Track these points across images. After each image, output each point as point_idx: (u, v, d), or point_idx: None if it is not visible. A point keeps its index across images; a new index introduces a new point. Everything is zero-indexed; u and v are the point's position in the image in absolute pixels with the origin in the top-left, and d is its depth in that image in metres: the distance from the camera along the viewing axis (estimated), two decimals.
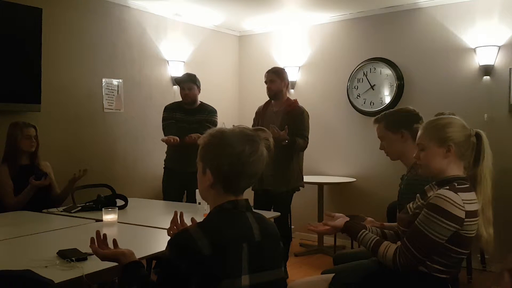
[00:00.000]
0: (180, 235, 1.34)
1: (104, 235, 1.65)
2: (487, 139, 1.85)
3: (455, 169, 1.83)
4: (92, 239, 1.62)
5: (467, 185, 1.79)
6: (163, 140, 3.86)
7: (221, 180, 1.41)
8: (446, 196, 1.71)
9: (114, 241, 1.63)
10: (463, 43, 4.37)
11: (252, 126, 4.03)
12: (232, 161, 1.39)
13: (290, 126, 3.72)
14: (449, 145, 1.81)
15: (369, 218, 2.40)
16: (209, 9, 4.88)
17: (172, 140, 3.78)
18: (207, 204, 1.53)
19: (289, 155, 3.73)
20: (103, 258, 1.58)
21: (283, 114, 3.81)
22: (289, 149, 3.68)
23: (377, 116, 2.44)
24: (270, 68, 3.94)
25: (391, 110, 2.49)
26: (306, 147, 3.83)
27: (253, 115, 4.11)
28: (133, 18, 4.63)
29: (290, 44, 5.47)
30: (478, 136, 1.84)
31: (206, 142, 1.44)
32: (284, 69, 4.04)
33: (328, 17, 5.14)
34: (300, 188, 3.96)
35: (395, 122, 2.34)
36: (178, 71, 4.94)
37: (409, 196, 2.05)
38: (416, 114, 2.36)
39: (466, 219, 1.71)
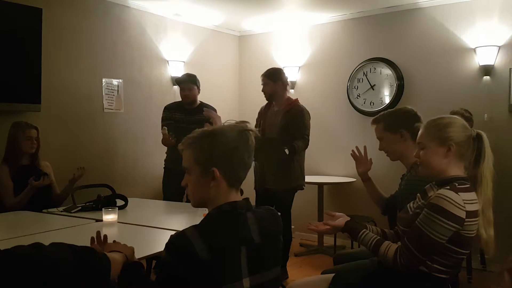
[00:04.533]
0: (177, 238, 1.33)
1: (105, 235, 1.66)
2: (487, 139, 1.85)
3: (456, 169, 1.84)
4: (92, 238, 1.62)
5: (468, 185, 1.79)
6: (163, 133, 3.87)
7: (228, 175, 1.43)
8: (446, 196, 1.70)
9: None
10: (463, 43, 4.37)
11: (255, 126, 4.05)
12: (239, 154, 1.43)
13: (290, 125, 3.75)
14: (450, 145, 1.81)
15: None
16: (209, 9, 4.88)
17: (168, 138, 3.79)
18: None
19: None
20: None
21: (283, 113, 3.83)
22: (292, 153, 3.70)
23: (375, 117, 2.44)
24: (264, 71, 3.96)
25: (389, 110, 2.49)
26: (307, 146, 3.84)
27: (253, 115, 4.13)
28: (133, 18, 4.63)
29: (290, 44, 5.47)
30: (478, 136, 1.84)
31: (205, 143, 1.43)
32: (279, 69, 4.03)
33: (328, 17, 5.14)
34: (303, 187, 3.97)
35: (394, 122, 2.34)
36: (178, 71, 4.94)
37: (409, 196, 2.05)
38: (415, 114, 2.36)
39: (466, 219, 1.71)
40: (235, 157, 1.43)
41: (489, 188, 1.83)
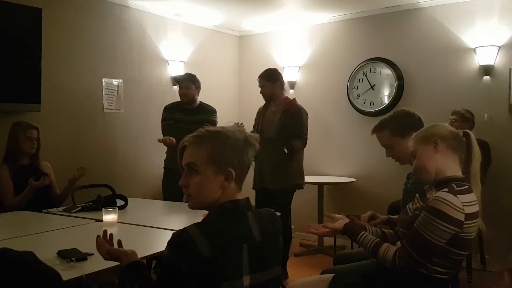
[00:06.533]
0: (179, 236, 1.33)
1: (111, 234, 1.66)
2: (474, 137, 1.88)
3: (453, 167, 1.84)
4: (98, 236, 1.62)
5: (466, 186, 1.78)
6: (159, 141, 3.86)
7: (240, 174, 1.44)
8: (445, 199, 1.70)
9: (119, 242, 1.64)
10: (463, 43, 4.37)
11: (253, 126, 4.07)
12: (246, 156, 1.45)
13: (287, 124, 3.76)
14: (435, 140, 1.84)
15: (368, 213, 2.42)
16: (209, 9, 4.88)
17: (168, 141, 3.78)
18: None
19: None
20: (106, 253, 1.57)
21: (281, 113, 3.86)
22: (290, 153, 3.71)
23: (376, 126, 2.38)
24: (261, 72, 3.95)
25: (389, 116, 2.40)
26: (306, 145, 3.85)
27: (253, 115, 4.14)
28: (133, 18, 4.63)
29: (290, 44, 5.47)
30: (466, 134, 1.86)
31: (221, 143, 1.42)
32: (276, 70, 4.01)
33: (328, 17, 5.14)
34: (303, 186, 3.97)
35: (401, 126, 2.30)
36: (178, 71, 4.94)
37: (414, 197, 2.04)
38: (413, 113, 2.35)
39: (465, 222, 1.70)
40: (245, 159, 1.44)
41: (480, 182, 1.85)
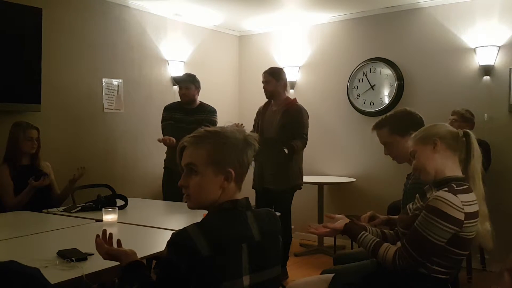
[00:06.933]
0: (179, 236, 1.33)
1: (110, 234, 1.66)
2: (474, 136, 1.87)
3: (453, 166, 1.84)
4: (97, 235, 1.62)
5: (466, 186, 1.78)
6: (159, 141, 3.86)
7: (239, 174, 1.44)
8: (445, 198, 1.70)
9: (118, 242, 1.64)
10: (463, 43, 4.37)
11: (253, 125, 4.07)
12: (246, 156, 1.44)
13: (288, 124, 3.76)
14: (435, 140, 1.84)
15: (368, 213, 2.41)
16: (209, 9, 4.88)
17: (168, 141, 3.78)
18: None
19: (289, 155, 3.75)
20: (106, 253, 1.57)
21: (281, 113, 3.86)
22: (290, 153, 3.71)
23: (376, 123, 2.39)
24: (267, 69, 3.96)
25: (389, 114, 2.42)
26: (306, 145, 3.85)
27: (253, 115, 4.14)
28: (133, 18, 4.63)
29: (290, 44, 5.47)
30: (466, 134, 1.86)
31: (218, 144, 1.42)
32: (281, 69, 4.05)
33: (328, 17, 5.14)
34: (301, 187, 3.97)
35: (401, 124, 2.31)
36: (178, 71, 4.94)
37: (414, 198, 2.04)
38: (415, 114, 2.36)
39: (465, 221, 1.70)
40: (245, 159, 1.44)
41: (481, 183, 1.84)
